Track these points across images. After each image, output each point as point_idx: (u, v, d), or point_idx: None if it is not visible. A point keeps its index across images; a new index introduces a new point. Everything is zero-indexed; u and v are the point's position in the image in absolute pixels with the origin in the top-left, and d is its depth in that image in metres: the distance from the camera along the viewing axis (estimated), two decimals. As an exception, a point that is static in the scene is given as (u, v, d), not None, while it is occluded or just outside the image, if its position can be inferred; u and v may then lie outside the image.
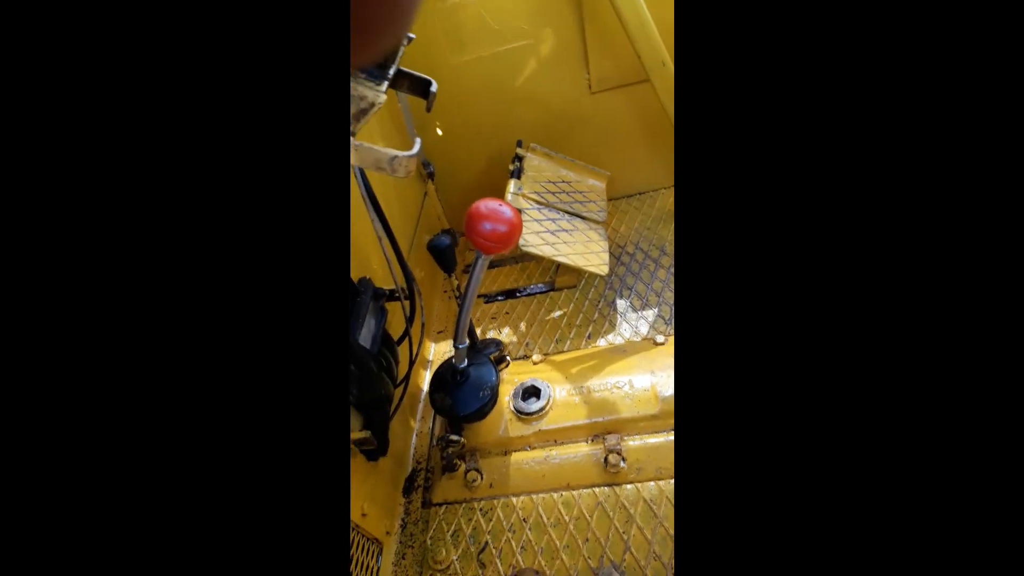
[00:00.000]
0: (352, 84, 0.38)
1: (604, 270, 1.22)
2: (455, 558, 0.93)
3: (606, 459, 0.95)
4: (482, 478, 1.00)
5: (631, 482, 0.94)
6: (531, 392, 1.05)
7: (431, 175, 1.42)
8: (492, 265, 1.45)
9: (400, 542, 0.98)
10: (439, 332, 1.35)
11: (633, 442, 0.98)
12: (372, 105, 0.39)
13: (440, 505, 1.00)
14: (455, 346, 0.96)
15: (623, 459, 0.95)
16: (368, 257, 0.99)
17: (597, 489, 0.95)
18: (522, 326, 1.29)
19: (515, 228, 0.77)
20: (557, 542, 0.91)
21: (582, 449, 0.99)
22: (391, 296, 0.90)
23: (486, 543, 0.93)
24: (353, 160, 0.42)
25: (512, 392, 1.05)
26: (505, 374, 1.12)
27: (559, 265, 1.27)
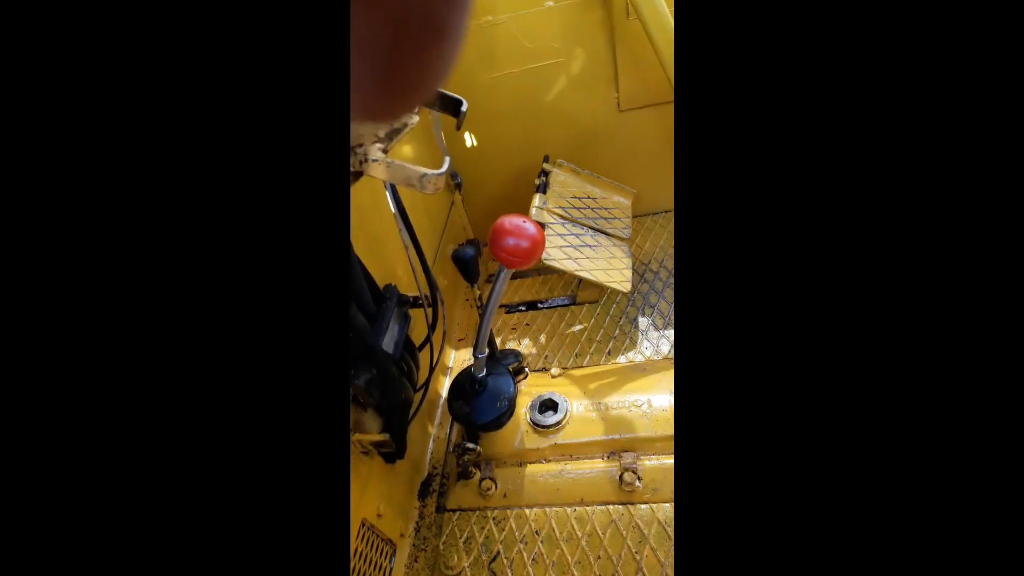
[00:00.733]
0: None
1: (627, 287, 1.22)
2: (467, 564, 0.93)
3: (621, 477, 0.95)
4: (496, 487, 1.00)
5: (646, 502, 0.93)
6: (548, 405, 1.06)
7: (458, 186, 1.45)
8: (515, 277, 1.46)
9: (413, 545, 0.99)
10: (460, 340, 1.37)
11: (650, 462, 0.97)
12: (405, 125, 0.41)
13: (454, 511, 1.01)
14: (475, 355, 0.98)
15: (639, 478, 0.95)
16: (394, 264, 1.02)
17: (611, 507, 0.94)
18: (542, 338, 1.30)
19: (538, 244, 0.78)
20: (569, 557, 0.90)
21: (598, 465, 0.99)
22: (415, 303, 0.93)
23: (498, 552, 0.94)
24: (384, 176, 0.45)
25: (529, 404, 1.06)
26: (523, 386, 1.13)
27: (581, 280, 1.28)
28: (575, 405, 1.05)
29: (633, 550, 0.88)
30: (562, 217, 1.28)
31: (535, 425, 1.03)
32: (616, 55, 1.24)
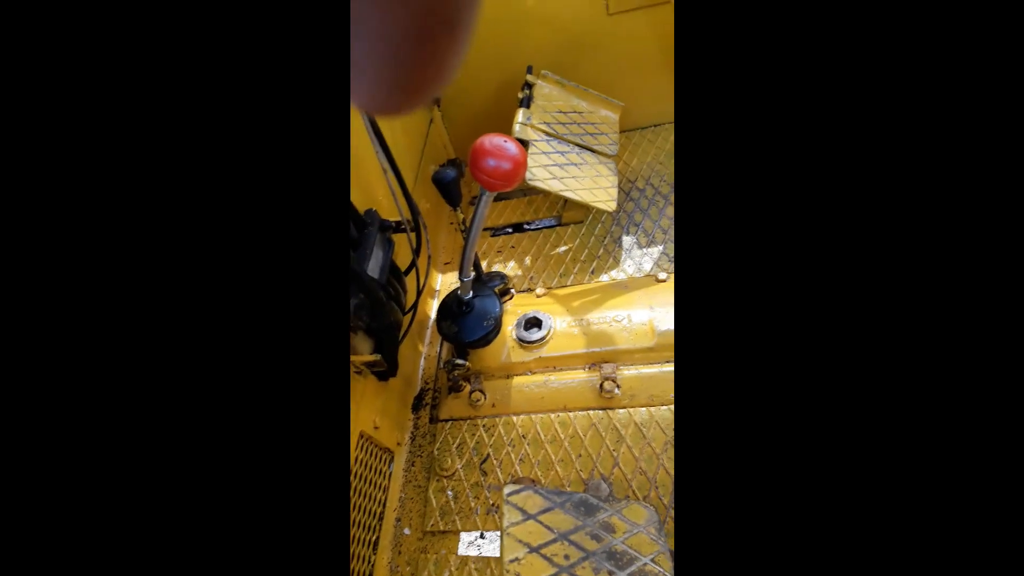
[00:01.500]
0: None
1: (612, 206, 1.22)
2: (460, 466, 1.03)
3: (602, 385, 1.02)
4: (485, 398, 1.08)
5: (624, 407, 1.01)
6: (533, 323, 1.10)
7: (436, 101, 1.37)
8: (499, 198, 1.44)
9: (410, 451, 1.08)
10: (446, 263, 1.39)
11: (628, 371, 1.04)
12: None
13: (446, 421, 1.10)
14: (460, 278, 0.99)
15: (617, 386, 1.02)
16: (373, 188, 1.00)
17: (592, 412, 1.02)
18: (527, 260, 1.31)
19: (519, 165, 0.76)
20: (552, 456, 1.00)
21: (579, 375, 1.06)
22: (397, 228, 0.92)
23: (488, 455, 1.03)
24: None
25: (515, 322, 1.10)
26: (509, 305, 1.17)
27: (567, 199, 1.27)
28: (559, 322, 1.10)
29: (611, 448, 0.98)
30: (547, 134, 1.24)
31: (521, 341, 1.08)
32: (605, -55, 1.12)
